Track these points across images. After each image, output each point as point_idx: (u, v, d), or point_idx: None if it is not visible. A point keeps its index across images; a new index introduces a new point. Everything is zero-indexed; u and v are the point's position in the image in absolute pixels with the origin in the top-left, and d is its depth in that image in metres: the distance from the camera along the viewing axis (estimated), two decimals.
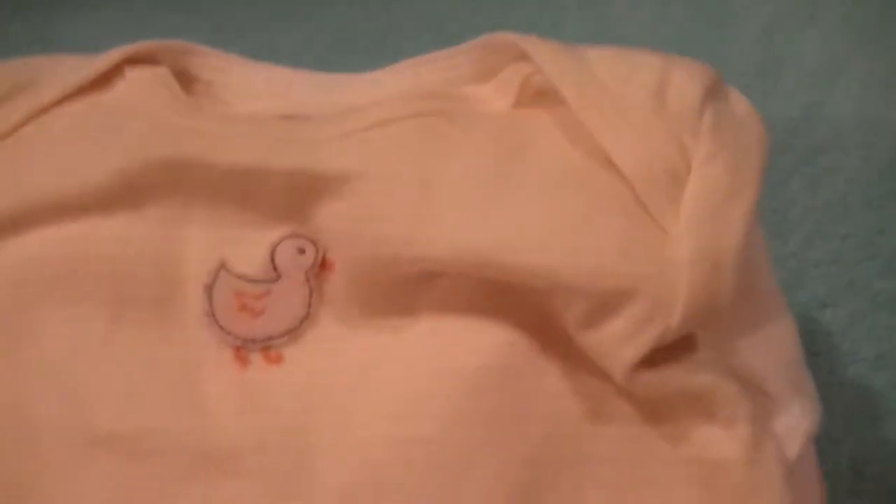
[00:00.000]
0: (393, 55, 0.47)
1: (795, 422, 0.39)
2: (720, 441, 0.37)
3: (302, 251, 0.40)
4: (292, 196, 0.39)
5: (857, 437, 0.55)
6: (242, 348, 0.39)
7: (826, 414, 0.52)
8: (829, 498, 0.49)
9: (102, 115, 0.42)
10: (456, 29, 0.47)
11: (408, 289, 0.39)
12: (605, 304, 0.36)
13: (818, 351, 0.58)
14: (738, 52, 0.71)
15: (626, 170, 0.38)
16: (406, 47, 0.50)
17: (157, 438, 0.37)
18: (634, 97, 0.39)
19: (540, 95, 0.41)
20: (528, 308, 0.38)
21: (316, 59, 0.50)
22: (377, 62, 0.47)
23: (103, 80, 0.43)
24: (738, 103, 0.40)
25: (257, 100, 0.45)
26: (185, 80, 0.45)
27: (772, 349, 0.40)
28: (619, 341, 0.36)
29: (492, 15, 0.75)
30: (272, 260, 0.40)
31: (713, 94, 0.39)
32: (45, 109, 0.42)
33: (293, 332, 0.39)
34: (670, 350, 0.37)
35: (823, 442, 0.52)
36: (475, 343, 0.38)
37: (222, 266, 0.40)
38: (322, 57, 0.54)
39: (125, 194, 0.39)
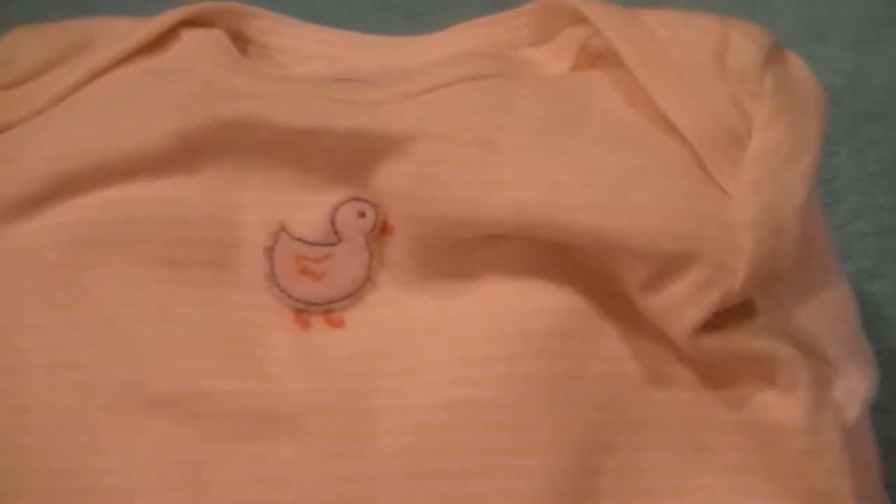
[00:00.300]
0: (435, 20, 0.47)
1: (853, 387, 0.39)
2: (779, 406, 0.37)
3: (362, 214, 0.40)
4: (352, 158, 0.39)
5: None
6: (304, 311, 0.39)
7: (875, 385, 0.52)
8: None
9: (159, 76, 0.42)
10: None
11: (467, 252, 0.39)
12: (667, 266, 0.36)
13: (866, 321, 0.58)
14: (780, 19, 0.71)
15: (687, 132, 0.38)
16: (449, 13, 0.50)
17: (215, 400, 0.38)
18: (694, 60, 0.39)
19: (597, 58, 0.41)
20: (588, 271, 0.38)
21: (359, 24, 0.50)
22: (419, 29, 0.47)
23: (159, 42, 0.43)
24: (797, 66, 0.40)
25: (312, 62, 0.45)
26: (240, 42, 0.45)
27: (830, 315, 0.40)
28: (681, 304, 0.36)
29: None
30: (332, 223, 0.40)
31: (773, 57, 0.39)
32: (101, 71, 0.42)
33: (353, 296, 0.39)
34: (730, 314, 0.37)
35: (873, 412, 0.52)
36: (535, 306, 0.38)
37: (283, 229, 0.40)
38: (364, 22, 0.54)
39: (182, 155, 0.39)
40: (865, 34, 0.70)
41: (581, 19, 0.42)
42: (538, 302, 0.38)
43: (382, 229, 0.40)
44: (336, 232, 0.40)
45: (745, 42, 0.39)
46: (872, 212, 0.61)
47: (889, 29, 0.70)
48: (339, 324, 0.39)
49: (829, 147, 0.63)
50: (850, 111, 0.65)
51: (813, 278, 0.40)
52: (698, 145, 0.37)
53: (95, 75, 0.42)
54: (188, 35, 0.43)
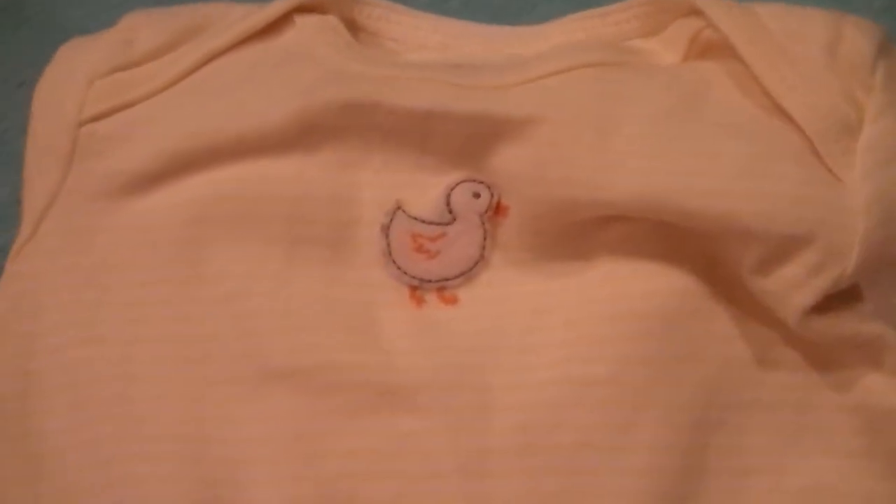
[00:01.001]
0: (522, 18, 0.48)
1: None
2: (887, 389, 0.38)
3: (477, 195, 0.41)
4: (469, 140, 0.40)
5: None
6: (418, 288, 0.41)
7: None
8: None
9: (275, 59, 0.43)
10: None
11: (580, 234, 0.40)
12: (781, 250, 0.37)
13: None
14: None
15: (801, 120, 0.39)
16: (538, 9, 0.51)
17: (333, 373, 0.39)
18: (807, 52, 0.40)
19: (708, 50, 0.42)
20: (700, 254, 0.39)
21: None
22: (509, 21, 0.48)
23: (273, 27, 0.44)
24: None
25: (423, 50, 0.46)
26: (351, 30, 0.46)
27: None
28: (794, 286, 0.37)
29: None
30: (448, 203, 0.41)
31: (884, 50, 0.40)
32: (217, 54, 0.44)
33: (467, 274, 0.41)
34: (838, 299, 0.38)
35: None
36: (649, 288, 0.39)
37: (399, 208, 0.41)
38: (454, 14, 0.55)
39: (302, 136, 0.41)
40: None
41: (691, 12, 0.43)
42: (652, 284, 0.39)
43: (497, 210, 0.41)
44: (451, 212, 0.41)
45: (857, 35, 0.40)
46: None
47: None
48: (452, 301, 0.40)
49: None
50: None
51: None
52: (812, 134, 0.38)
53: (212, 58, 0.44)
54: (302, 21, 0.44)
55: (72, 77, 0.43)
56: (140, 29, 0.45)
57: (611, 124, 0.39)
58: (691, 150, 0.38)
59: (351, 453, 0.38)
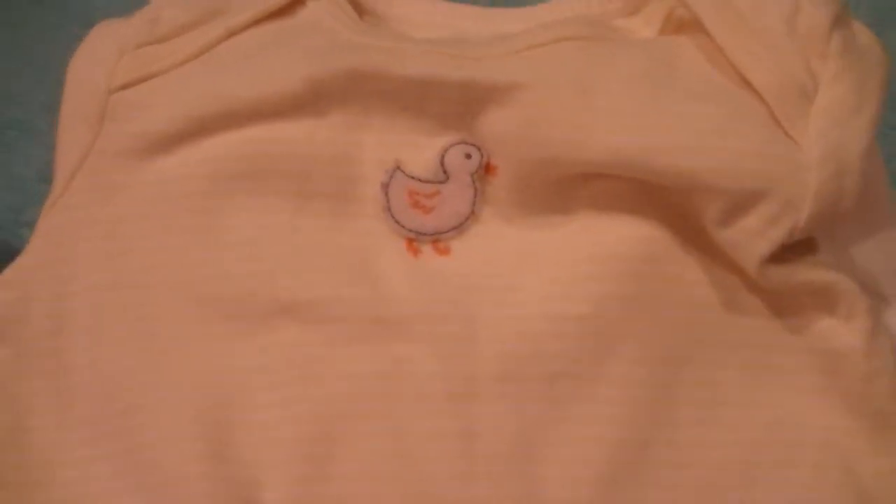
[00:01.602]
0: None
1: None
2: (841, 332, 0.42)
3: (469, 156, 0.45)
4: (462, 105, 0.44)
5: None
6: (415, 240, 0.44)
7: None
8: None
9: (288, 33, 0.47)
10: None
11: (563, 190, 0.44)
12: (741, 202, 0.41)
13: None
14: None
15: (761, 87, 0.42)
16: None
17: (335, 306, 0.43)
18: (768, 24, 0.43)
19: (682, 26, 0.46)
20: (673, 207, 0.43)
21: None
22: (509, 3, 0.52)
23: (287, 8, 0.49)
24: (861, 31, 0.44)
25: (424, 29, 0.50)
26: (358, 12, 0.50)
27: (885, 252, 0.44)
28: (752, 236, 0.41)
29: None
30: (442, 163, 0.45)
31: (840, 21, 0.43)
32: (237, 31, 0.48)
33: (459, 228, 0.45)
34: (795, 250, 0.42)
35: None
36: (625, 234, 0.43)
37: (398, 167, 0.45)
38: None
39: (312, 100, 0.45)
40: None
41: None
42: (627, 232, 0.43)
43: (486, 169, 0.45)
44: (445, 171, 0.45)
45: (814, 8, 0.43)
46: None
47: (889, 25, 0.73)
48: (446, 251, 0.44)
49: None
50: None
51: (871, 221, 0.44)
52: (771, 99, 0.42)
53: (231, 34, 0.48)
54: (313, 2, 0.49)
55: (104, 51, 0.47)
56: (165, 9, 0.49)
57: (589, 89, 0.42)
58: (662, 113, 0.42)
59: (346, 376, 0.42)
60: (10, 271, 0.45)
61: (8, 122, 0.57)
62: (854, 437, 0.41)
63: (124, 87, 0.47)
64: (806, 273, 0.42)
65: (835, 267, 0.42)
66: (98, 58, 0.47)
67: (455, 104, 0.45)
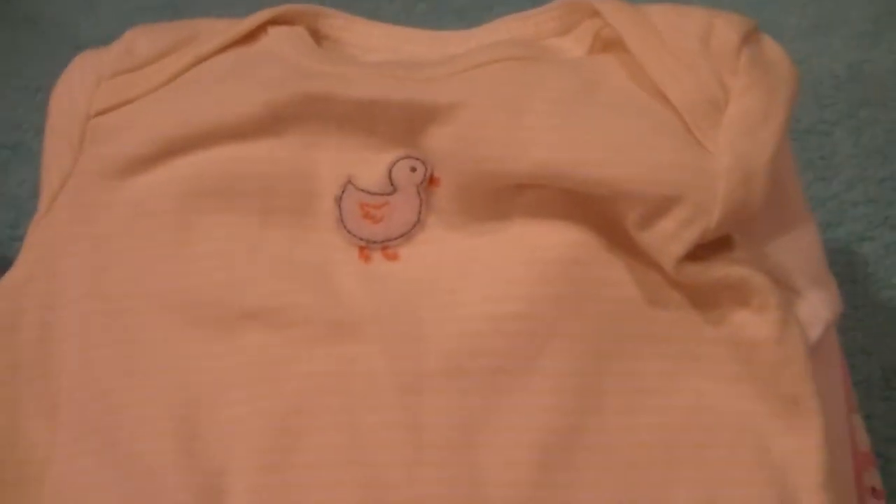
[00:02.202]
0: (481, 18, 0.55)
1: (815, 311, 0.46)
2: (754, 324, 0.45)
3: (414, 169, 0.48)
4: (407, 123, 0.48)
5: (888, 351, 0.62)
6: (366, 248, 0.48)
7: (861, 332, 0.60)
8: (863, 401, 0.56)
9: (250, 60, 0.51)
10: None
11: (501, 199, 0.47)
12: (658, 208, 0.44)
13: (856, 279, 0.65)
14: (790, 16, 0.78)
15: (676, 101, 0.46)
16: (495, 9, 0.59)
17: (294, 312, 0.46)
18: (684, 42, 0.47)
19: (609, 45, 0.50)
20: (599, 214, 0.46)
21: (416, 22, 0.59)
22: (468, 25, 0.56)
23: (250, 36, 0.53)
24: (771, 47, 0.48)
25: (377, 53, 0.54)
26: (316, 38, 0.54)
27: (797, 249, 0.47)
28: (668, 238, 0.44)
29: None
30: (390, 177, 0.49)
31: (749, 39, 0.47)
32: (204, 58, 0.52)
33: (406, 235, 0.48)
34: (711, 248, 0.45)
35: (859, 356, 0.60)
36: (555, 240, 0.46)
37: (349, 182, 0.49)
38: (420, 22, 0.63)
39: (270, 123, 0.49)
40: (866, 28, 0.77)
41: (595, 13, 0.51)
42: (558, 237, 0.46)
43: (431, 181, 0.48)
44: (392, 184, 0.49)
45: (726, 27, 0.47)
46: (864, 184, 0.69)
47: (888, 23, 0.77)
48: (394, 257, 0.48)
49: (828, 127, 0.71)
50: (850, 96, 0.73)
51: (784, 220, 0.48)
52: (685, 112, 0.46)
53: (199, 61, 0.52)
54: (274, 31, 0.53)
55: (83, 79, 0.52)
56: (139, 40, 0.53)
57: (521, 107, 0.46)
58: (586, 128, 0.45)
59: (307, 375, 0.45)
60: (1, 283, 0.49)
61: (2, 142, 0.62)
62: (767, 419, 0.44)
63: (102, 112, 0.51)
64: (721, 269, 0.45)
65: (749, 263, 0.45)
66: (79, 85, 0.52)
67: (401, 122, 0.48)
